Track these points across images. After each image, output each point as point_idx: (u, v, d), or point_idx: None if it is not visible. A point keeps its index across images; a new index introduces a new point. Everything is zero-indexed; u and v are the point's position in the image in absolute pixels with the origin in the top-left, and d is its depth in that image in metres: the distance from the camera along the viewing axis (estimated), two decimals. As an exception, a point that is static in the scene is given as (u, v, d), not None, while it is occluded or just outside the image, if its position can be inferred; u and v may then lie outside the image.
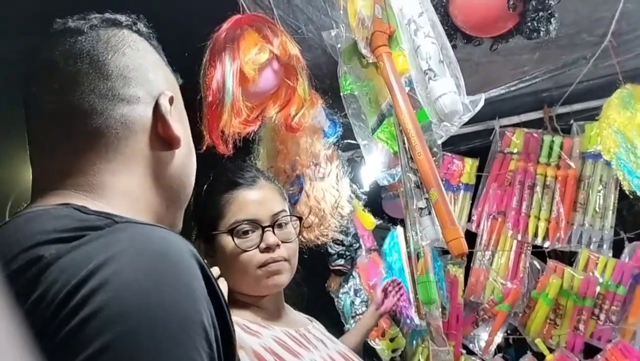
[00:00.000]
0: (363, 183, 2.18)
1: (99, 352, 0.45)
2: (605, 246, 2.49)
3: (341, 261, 2.43)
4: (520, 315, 2.55)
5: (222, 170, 1.22)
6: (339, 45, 1.40)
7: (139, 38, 0.71)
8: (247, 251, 1.09)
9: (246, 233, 1.11)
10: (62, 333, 0.46)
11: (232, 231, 1.10)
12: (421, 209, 1.09)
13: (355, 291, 2.49)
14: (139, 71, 0.67)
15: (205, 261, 1.08)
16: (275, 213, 1.13)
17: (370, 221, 2.59)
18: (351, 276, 2.51)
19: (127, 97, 0.64)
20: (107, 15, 0.70)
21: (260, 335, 1.04)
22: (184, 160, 0.70)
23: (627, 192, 2.05)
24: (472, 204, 2.69)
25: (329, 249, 2.42)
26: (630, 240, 2.48)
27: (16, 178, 2.34)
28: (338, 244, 2.42)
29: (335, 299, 2.50)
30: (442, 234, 0.99)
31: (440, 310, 1.53)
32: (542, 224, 2.55)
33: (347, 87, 1.44)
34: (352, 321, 2.44)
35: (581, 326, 2.45)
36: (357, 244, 2.51)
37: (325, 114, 1.74)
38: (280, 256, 1.12)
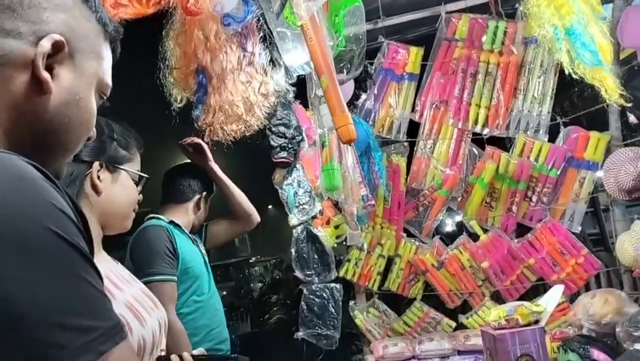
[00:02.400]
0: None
1: None
2: (541, 132, 2.55)
3: (283, 154, 2.45)
4: (458, 199, 2.66)
5: (120, 125, 1.37)
6: None
7: None
8: (137, 196, 1.35)
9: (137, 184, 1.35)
10: None
11: (139, 178, 1.35)
12: (319, 97, 1.08)
13: (299, 183, 2.54)
14: (33, 8, 0.68)
15: (97, 179, 1.23)
16: None
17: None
18: (295, 168, 2.56)
19: (8, 29, 0.66)
20: None
21: None
22: (61, 108, 0.70)
23: (568, 70, 2.05)
24: (416, 94, 2.70)
25: (271, 142, 2.44)
26: (566, 125, 2.54)
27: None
28: (280, 137, 2.43)
29: (280, 191, 2.56)
30: (332, 120, 0.99)
31: (344, 196, 1.57)
32: (482, 112, 2.58)
33: (258, -30, 1.37)
34: (295, 210, 2.53)
35: (514, 208, 2.58)
36: (300, 137, 2.52)
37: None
38: None
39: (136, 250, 1.94)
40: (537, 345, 1.38)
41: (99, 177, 1.25)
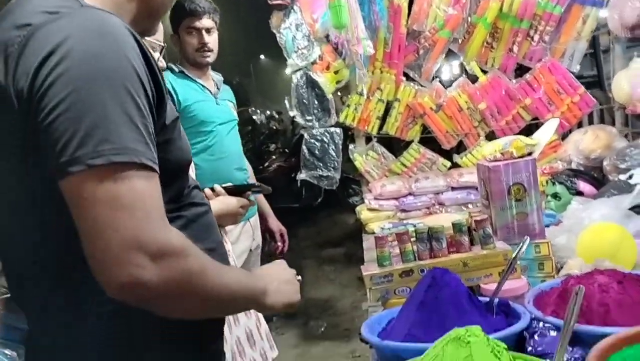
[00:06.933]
0: None
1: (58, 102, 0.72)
2: (549, -36, 2.43)
3: (280, -6, 2.36)
4: (459, 41, 2.62)
5: None
6: None
7: None
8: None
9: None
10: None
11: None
12: None
13: (297, 26, 2.48)
14: None
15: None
16: None
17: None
18: (292, 11, 2.47)
19: None
20: None
21: None
22: None
23: None
24: None
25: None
26: (576, -44, 2.41)
27: None
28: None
29: (277, 35, 2.50)
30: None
31: (350, 33, 1.54)
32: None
33: None
34: (294, 55, 2.50)
35: (515, 48, 2.56)
36: (297, -24, 2.40)
37: None
38: None
39: None
40: (528, 174, 1.47)
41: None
